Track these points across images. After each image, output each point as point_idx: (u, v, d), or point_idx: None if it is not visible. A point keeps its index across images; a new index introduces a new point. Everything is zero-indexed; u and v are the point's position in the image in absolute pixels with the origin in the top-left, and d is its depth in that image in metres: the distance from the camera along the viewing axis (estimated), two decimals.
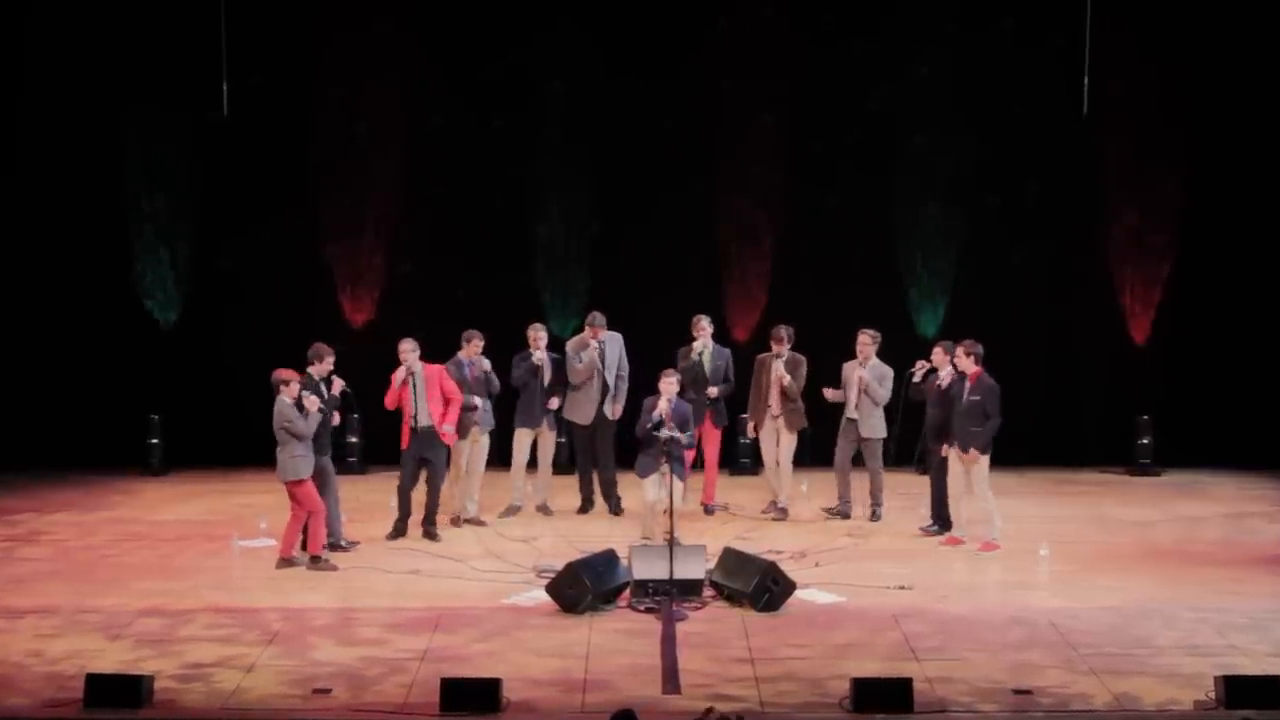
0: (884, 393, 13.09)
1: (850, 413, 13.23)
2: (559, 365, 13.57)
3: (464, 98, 16.43)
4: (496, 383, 13.26)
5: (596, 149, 16.47)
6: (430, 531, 12.64)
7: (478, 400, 13.04)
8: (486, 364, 13.15)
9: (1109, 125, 16.19)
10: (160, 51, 16.04)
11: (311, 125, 16.45)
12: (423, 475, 12.65)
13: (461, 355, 13.10)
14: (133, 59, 16.11)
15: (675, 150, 16.36)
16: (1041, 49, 16.09)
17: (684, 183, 16.42)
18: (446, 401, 12.58)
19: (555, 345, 13.89)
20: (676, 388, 12.33)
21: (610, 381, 13.57)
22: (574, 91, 16.45)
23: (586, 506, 13.87)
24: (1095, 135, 16.18)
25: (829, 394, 13.28)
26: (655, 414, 12.06)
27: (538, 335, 13.50)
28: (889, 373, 13.10)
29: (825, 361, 13.57)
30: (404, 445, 12.53)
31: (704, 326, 13.66)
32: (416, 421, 12.48)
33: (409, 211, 16.55)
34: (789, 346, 13.50)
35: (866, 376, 13.06)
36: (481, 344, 13.14)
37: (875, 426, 13.18)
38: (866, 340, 13.22)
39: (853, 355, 13.33)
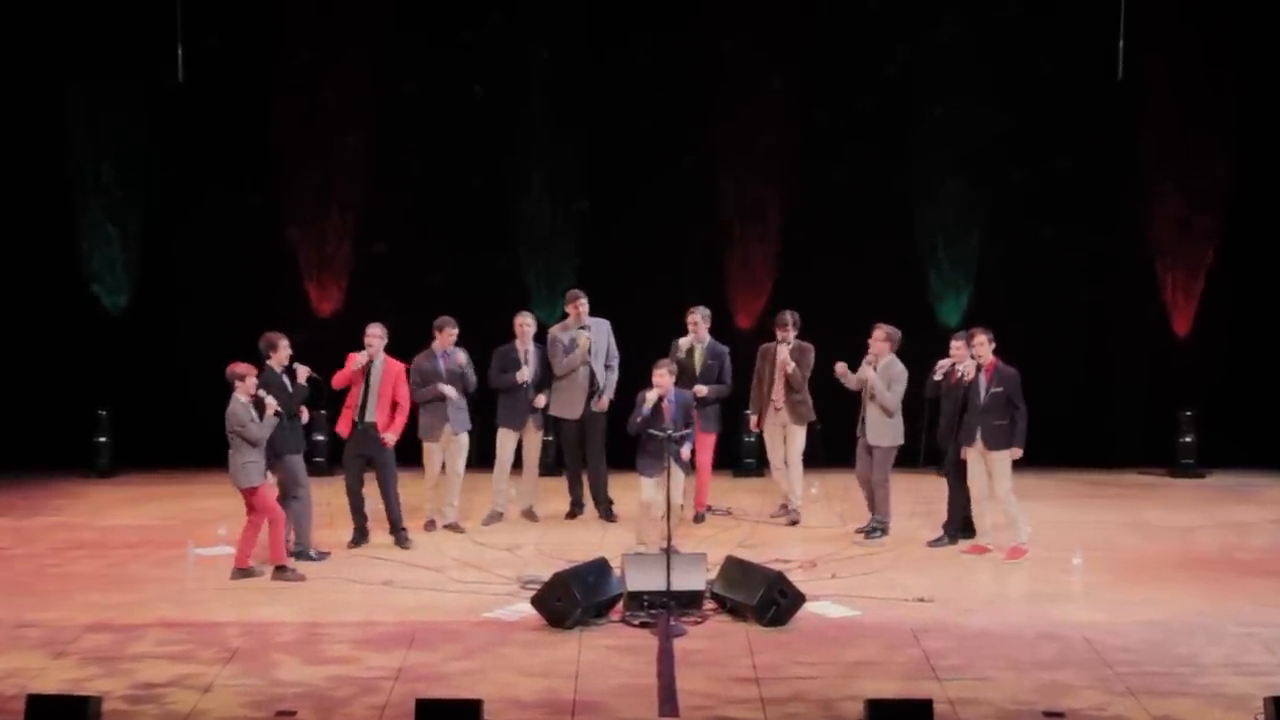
0: (891, 398, 12.86)
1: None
2: (543, 358, 13.55)
3: (440, 63, 16.40)
4: (473, 379, 13.18)
5: (585, 118, 16.44)
6: (402, 538, 12.64)
7: (451, 391, 12.99)
8: (463, 356, 13.10)
9: (1146, 93, 16.21)
10: (108, 11, 16.00)
11: (274, 93, 16.42)
12: (370, 478, 12.67)
13: (435, 346, 13.07)
14: (78, 19, 16.07)
15: (671, 120, 16.34)
16: (1071, 9, 16.08)
17: (681, 156, 16.41)
18: (394, 405, 12.57)
19: (539, 336, 13.85)
20: (671, 379, 12.29)
21: (599, 372, 13.54)
22: (560, 56, 16.42)
23: (576, 510, 13.87)
24: (1131, 104, 16.18)
25: (840, 369, 13.05)
26: (645, 408, 12.04)
27: (524, 324, 13.45)
28: (901, 375, 12.90)
29: (835, 354, 13.55)
30: (344, 434, 12.54)
31: (696, 321, 13.61)
32: (362, 416, 12.48)
33: (380, 188, 16.52)
34: (795, 334, 13.46)
35: (873, 379, 12.93)
36: (456, 332, 13.09)
37: (883, 434, 12.95)
38: (879, 336, 12.97)
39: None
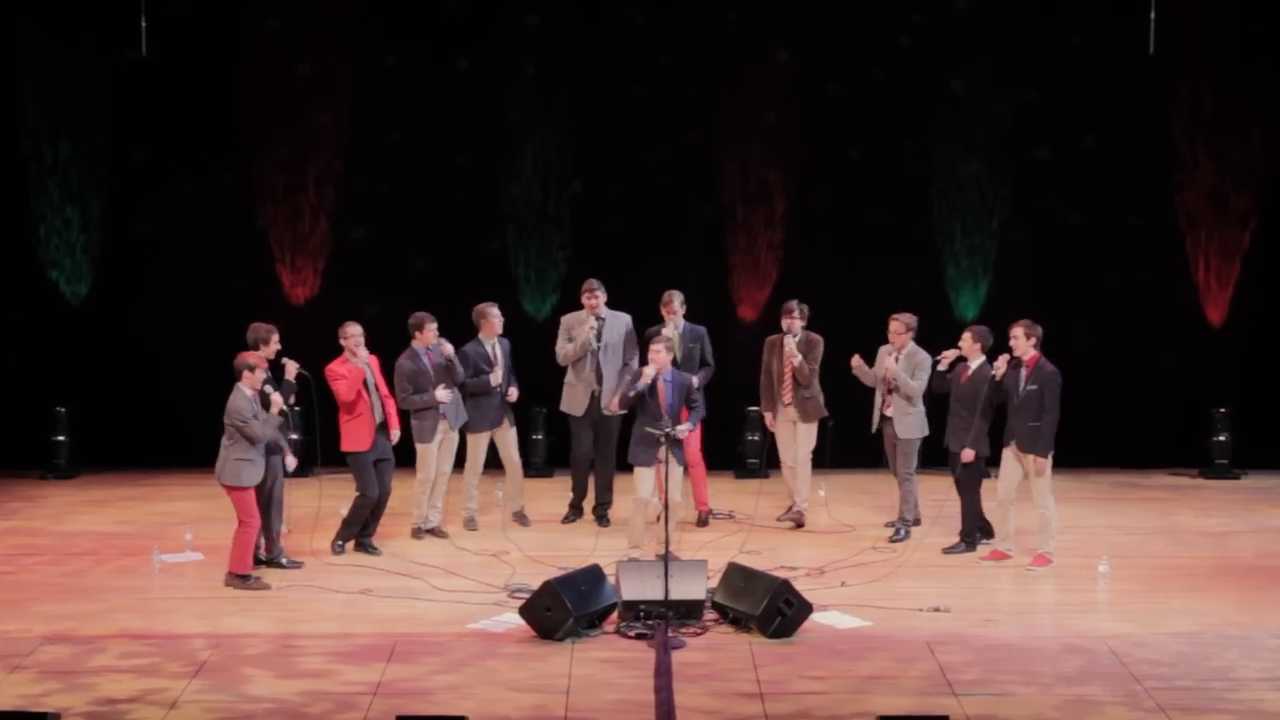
0: (916, 385, 13.01)
1: (884, 409, 13.20)
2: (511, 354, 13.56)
3: (423, 33, 16.36)
4: (461, 370, 13.21)
5: (579, 93, 16.41)
6: (369, 545, 12.70)
7: (443, 394, 13.00)
8: (449, 348, 13.10)
9: (1179, 67, 16.17)
10: None
11: (244, 65, 16.36)
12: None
13: (416, 344, 13.08)
14: None
15: (671, 97, 16.31)
16: None
17: (681, 135, 16.38)
18: (384, 398, 12.70)
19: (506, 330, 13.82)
20: (669, 357, 12.35)
21: (609, 369, 13.50)
22: (552, 25, 16.37)
23: (574, 514, 13.87)
24: (1163, 79, 16.16)
25: (856, 362, 13.17)
26: (642, 383, 12.12)
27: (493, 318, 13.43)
28: (924, 362, 12.98)
29: (843, 347, 13.54)
30: (364, 445, 12.53)
31: (675, 308, 13.62)
32: (376, 417, 12.57)
33: (358, 168, 16.47)
34: (803, 324, 13.45)
35: (893, 369, 13.01)
36: (435, 327, 13.09)
37: (910, 426, 13.11)
38: (898, 329, 13.12)
39: (882, 339, 13.28)
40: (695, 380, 13.15)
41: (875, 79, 16.32)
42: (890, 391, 13.06)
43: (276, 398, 11.62)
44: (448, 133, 16.37)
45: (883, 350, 13.20)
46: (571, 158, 16.50)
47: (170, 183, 16.33)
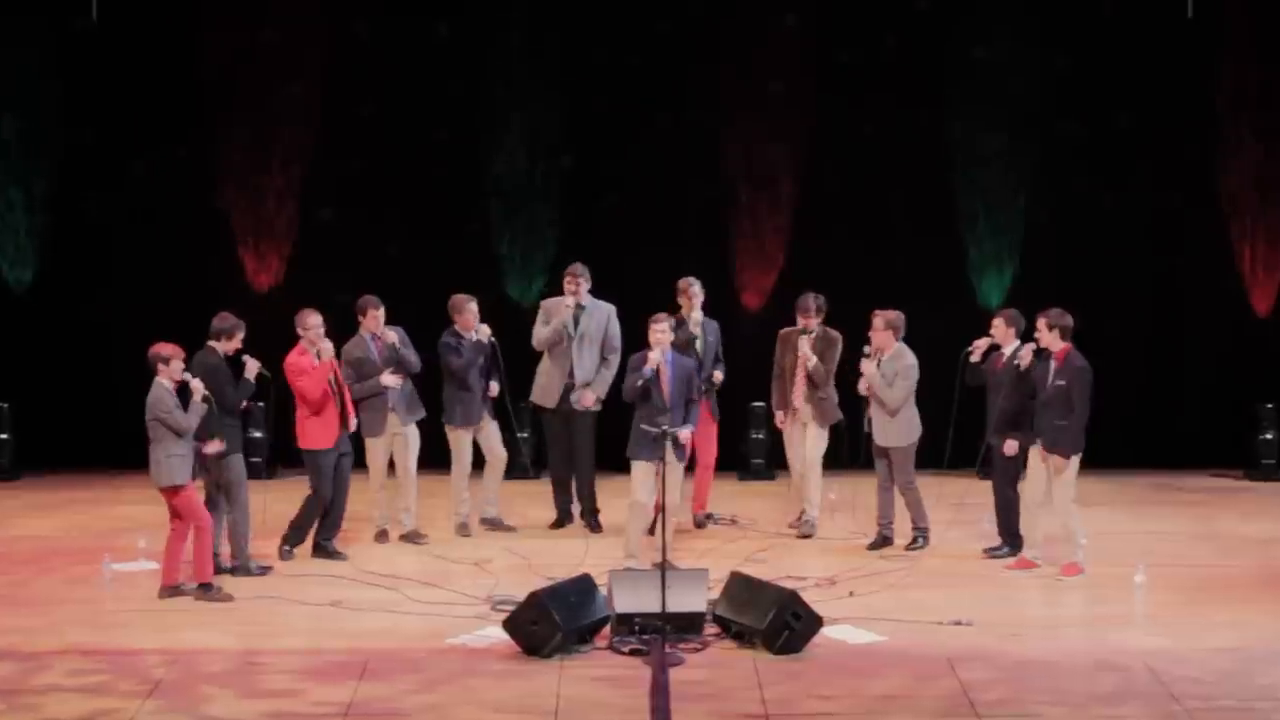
0: (895, 395, 12.83)
1: (868, 411, 13.10)
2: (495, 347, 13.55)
3: None
4: (414, 359, 13.20)
5: (569, 61, 16.44)
6: (332, 550, 12.75)
7: (393, 381, 13.01)
8: (393, 335, 13.09)
9: (1221, 33, 16.19)
10: None
11: (203, 32, 16.36)
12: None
13: (363, 330, 13.11)
14: None
15: (669, 64, 16.33)
16: None
17: (680, 104, 16.40)
18: (342, 386, 12.79)
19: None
20: (670, 337, 12.31)
21: (583, 361, 13.49)
22: None
23: (563, 519, 13.88)
24: (1204, 46, 16.16)
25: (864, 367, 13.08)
26: (647, 369, 12.06)
27: (468, 310, 13.40)
28: (909, 369, 12.85)
29: (856, 338, 13.52)
30: (327, 443, 12.56)
31: (695, 293, 13.58)
32: (339, 412, 12.63)
33: (328, 143, 16.49)
34: (820, 320, 13.36)
35: (870, 374, 12.89)
36: (381, 313, 13.09)
37: (894, 433, 12.94)
38: (880, 325, 12.96)
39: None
40: (718, 375, 13.12)
41: (890, 46, 16.34)
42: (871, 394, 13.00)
43: (196, 384, 11.55)
44: (426, 106, 16.40)
45: (864, 352, 13.05)
46: (560, 132, 16.52)
47: (123, 161, 16.35)
